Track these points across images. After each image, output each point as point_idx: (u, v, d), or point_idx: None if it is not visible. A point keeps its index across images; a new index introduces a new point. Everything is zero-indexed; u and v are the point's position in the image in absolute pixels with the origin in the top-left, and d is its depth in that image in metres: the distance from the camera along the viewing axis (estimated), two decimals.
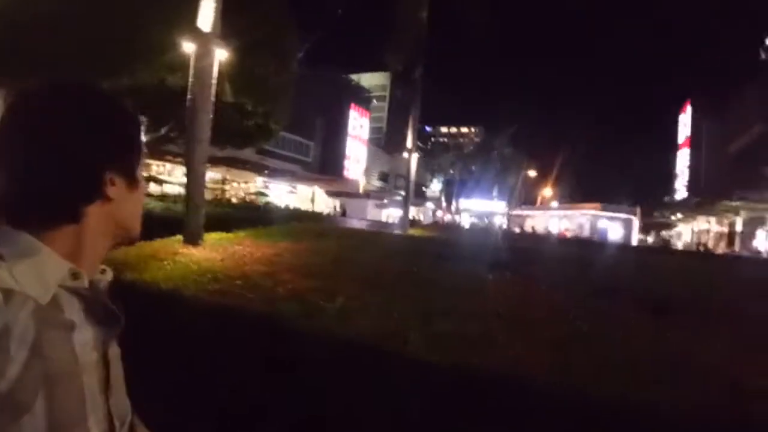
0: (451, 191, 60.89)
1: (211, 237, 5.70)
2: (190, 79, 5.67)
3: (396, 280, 3.94)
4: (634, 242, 39.08)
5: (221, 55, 5.98)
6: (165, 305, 3.07)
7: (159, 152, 21.45)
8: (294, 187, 42.41)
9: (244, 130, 18.13)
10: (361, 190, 48.46)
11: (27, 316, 0.61)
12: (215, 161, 29.74)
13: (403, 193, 68.42)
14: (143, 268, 3.63)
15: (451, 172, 62.79)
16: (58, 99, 0.72)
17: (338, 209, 38.96)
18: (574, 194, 52.43)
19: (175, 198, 20.10)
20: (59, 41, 11.78)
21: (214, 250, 4.64)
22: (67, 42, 11.90)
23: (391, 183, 69.16)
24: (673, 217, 46.21)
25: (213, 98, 5.80)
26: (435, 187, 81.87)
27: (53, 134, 0.69)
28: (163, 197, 13.59)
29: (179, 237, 5.40)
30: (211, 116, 5.85)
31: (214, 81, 5.77)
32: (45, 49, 11.70)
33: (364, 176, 56.23)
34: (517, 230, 45.79)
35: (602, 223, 41.37)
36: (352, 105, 54.88)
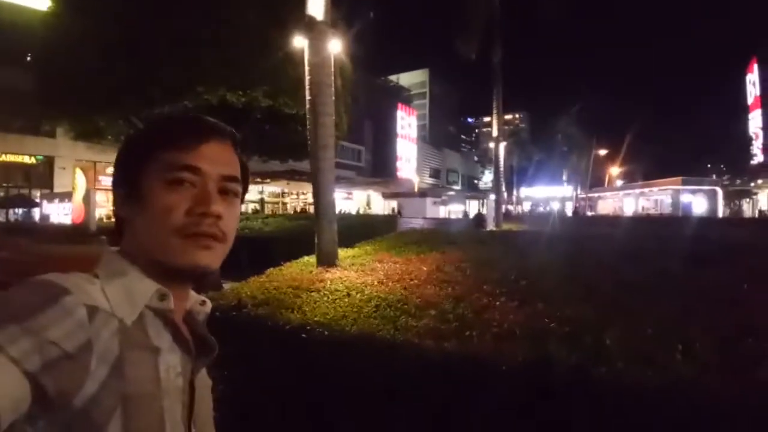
0: (508, 181, 59.08)
1: (343, 255, 5.02)
2: (307, 77, 4.99)
3: (615, 292, 3.08)
4: (720, 214, 36.10)
5: (336, 47, 5.29)
6: (344, 354, 2.38)
7: None
8: (350, 193, 42.53)
9: (304, 140, 17.87)
10: (416, 189, 47.87)
11: (110, 334, 0.61)
12: (277, 175, 30.09)
13: (456, 187, 67.34)
14: (296, 303, 2.95)
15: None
16: None
17: (395, 210, 38.56)
18: (646, 171, 49.16)
19: (246, 216, 20.18)
20: (114, 70, 11.86)
21: (356, 271, 3.93)
22: (122, 71, 11.96)
23: (442, 178, 68.25)
24: (752, 184, 42.69)
25: (333, 97, 5.11)
26: (487, 178, 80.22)
27: None
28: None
29: (307, 259, 4.78)
30: (334, 118, 5.16)
31: (332, 77, 5.07)
32: (100, 83, 11.68)
33: (416, 174, 55.62)
34: (589, 214, 43.49)
35: (685, 198, 38.35)
36: (399, 105, 54.52)
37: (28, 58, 19.25)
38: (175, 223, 0.69)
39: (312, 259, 4.85)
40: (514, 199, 57.24)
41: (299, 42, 5.20)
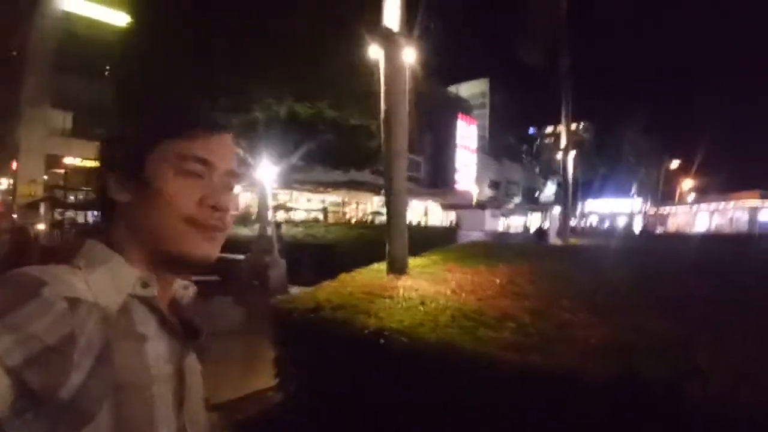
0: (572, 194, 56.91)
1: (411, 263, 5.06)
2: (383, 88, 5.12)
3: (696, 308, 2.93)
4: None
5: (411, 56, 5.41)
6: (423, 361, 2.40)
7: (287, 181, 22.21)
8: (407, 204, 42.41)
9: (366, 150, 18.24)
10: (474, 201, 47.25)
11: (95, 324, 0.61)
12: (338, 185, 30.69)
13: (516, 199, 65.81)
14: (371, 309, 3.01)
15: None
16: None
17: (453, 223, 38.21)
18: (722, 183, 46.05)
19: (298, 223, 20.69)
20: (185, 83, 12.53)
21: (427, 280, 3.95)
22: (193, 84, 12.63)
23: (501, 190, 67.00)
24: None
25: (407, 107, 5.22)
26: (549, 190, 77.93)
27: None
28: (278, 224, 13.83)
29: (377, 266, 4.86)
30: (407, 127, 5.26)
31: (406, 87, 5.19)
32: (171, 95, 12.49)
33: (475, 185, 54.90)
34: (659, 230, 41.22)
35: (763, 216, 35.57)
36: (459, 115, 54.18)
37: (107, 70, 20.74)
38: (185, 212, 0.70)
39: (382, 266, 4.91)
40: (578, 212, 55.32)
41: (374, 53, 5.33)
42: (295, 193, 28.92)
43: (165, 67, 12.93)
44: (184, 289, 0.80)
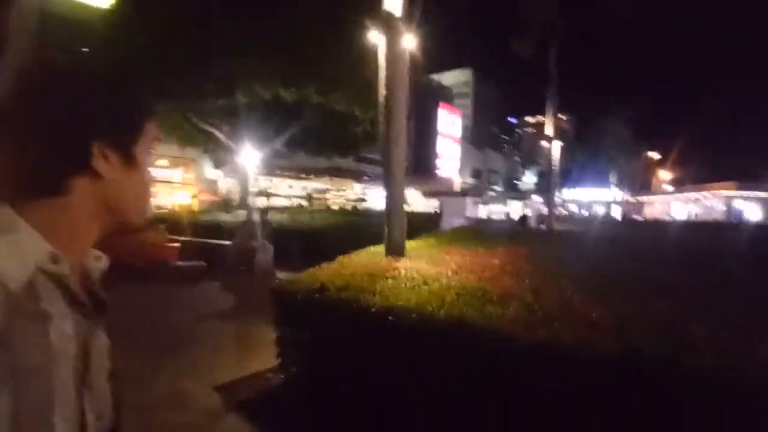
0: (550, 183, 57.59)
1: (408, 246, 5.11)
2: (382, 73, 5.08)
3: (687, 289, 3.05)
4: None
5: (410, 42, 5.36)
6: (433, 337, 2.45)
7: (269, 167, 22.01)
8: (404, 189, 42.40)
9: (352, 137, 18.15)
10: (456, 188, 47.49)
11: None
12: (320, 172, 30.53)
13: (497, 188, 66.21)
14: (375, 289, 3.04)
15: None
16: (46, 69, 0.68)
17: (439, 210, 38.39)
18: (696, 175, 47.20)
19: (283, 208, 20.54)
20: (168, 62, 12.33)
21: (427, 261, 3.99)
22: (176, 63, 12.44)
23: (483, 179, 67.47)
24: None
25: (406, 93, 5.19)
26: (528, 179, 78.71)
27: (38, 99, 0.66)
28: (265, 210, 13.74)
29: (373, 249, 4.89)
30: (406, 112, 5.23)
31: (406, 73, 5.14)
32: (154, 74, 12.19)
33: (458, 174, 55.18)
34: (636, 218, 42.10)
35: (738, 204, 36.70)
36: (441, 104, 54.15)
37: (86, 50, 20.16)
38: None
39: (379, 249, 4.95)
40: (559, 200, 56.17)
41: (374, 38, 5.28)
42: (276, 180, 28.64)
43: (146, 47, 12.63)
44: (96, 260, 0.76)
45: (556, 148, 15.70)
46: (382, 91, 5.10)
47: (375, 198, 38.30)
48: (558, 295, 2.81)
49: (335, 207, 29.27)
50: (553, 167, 15.99)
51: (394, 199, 5.28)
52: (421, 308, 2.65)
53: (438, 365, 2.46)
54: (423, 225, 17.02)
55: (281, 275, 9.89)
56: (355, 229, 14.07)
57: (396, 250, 4.64)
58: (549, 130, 15.85)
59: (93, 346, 0.70)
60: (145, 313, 6.59)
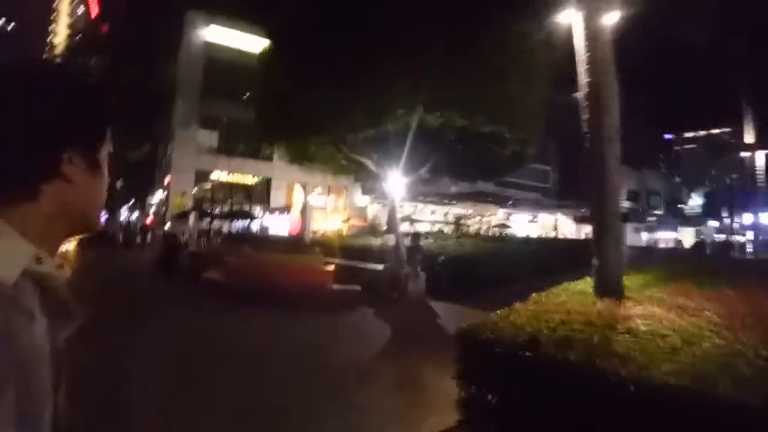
0: (720, 206, 49.73)
1: (628, 282, 4.06)
2: (582, 57, 4.23)
3: None
4: None
5: (613, 18, 4.44)
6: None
7: (413, 193, 21.93)
8: (534, 217, 40.26)
9: (499, 160, 17.29)
10: None
11: None
12: (463, 197, 29.85)
13: (658, 212, 59.83)
14: (609, 348, 2.17)
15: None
16: (18, 76, 0.71)
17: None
18: None
19: (427, 234, 20.14)
20: (321, 100, 12.80)
21: (661, 306, 2.99)
22: (328, 100, 12.84)
23: (642, 202, 60.92)
24: None
25: (615, 78, 4.25)
26: (694, 202, 69.56)
27: (10, 105, 0.68)
28: (417, 236, 13.22)
29: (573, 285, 3.98)
30: (617, 102, 4.25)
31: (611, 53, 4.23)
32: (308, 112, 12.92)
33: None
34: None
35: None
36: None
37: (246, 95, 22.23)
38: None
39: (579, 285, 4.01)
40: (737, 227, 48.26)
41: (567, 17, 4.43)
42: (420, 205, 28.65)
43: (299, 86, 13.39)
44: (58, 267, 0.73)
45: (760, 158, 12.99)
46: (581, 80, 4.17)
47: (519, 224, 36.43)
48: None
49: (478, 233, 28.23)
50: (758, 182, 13.26)
51: (607, 217, 4.19)
52: (701, 384, 1.73)
53: None
54: (577, 256, 15.39)
55: (435, 305, 9.31)
56: (506, 257, 13.03)
57: (611, 289, 3.61)
58: (749, 137, 13.25)
59: (60, 350, 0.72)
60: (304, 345, 6.36)
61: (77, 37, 33.23)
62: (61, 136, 0.71)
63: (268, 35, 16.36)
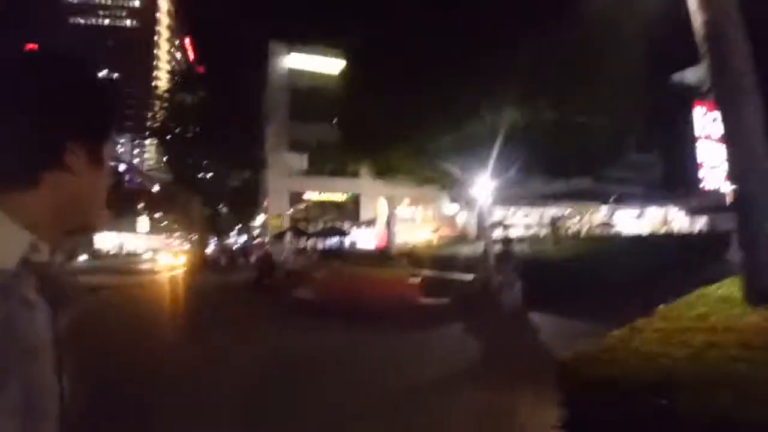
0: None
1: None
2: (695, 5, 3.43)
3: None
4: None
5: None
6: None
7: (502, 196, 20.98)
8: (641, 212, 37.05)
9: (596, 152, 16.02)
10: (728, 201, 38.67)
11: None
12: (557, 197, 28.12)
13: None
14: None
15: None
16: (28, 65, 0.72)
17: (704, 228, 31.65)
18: None
19: (521, 238, 19.03)
20: (401, 109, 12.62)
21: None
22: (408, 108, 12.58)
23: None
24: None
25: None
26: None
27: (18, 92, 0.69)
28: (509, 241, 12.31)
29: (707, 290, 3.18)
30: (747, 50, 3.36)
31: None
32: (388, 123, 13.05)
33: (728, 183, 45.27)
34: None
35: None
36: (695, 102, 45.70)
37: (333, 117, 22.75)
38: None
39: (724, 290, 3.18)
40: None
41: None
42: (512, 209, 27.50)
43: (378, 99, 13.46)
44: (51, 255, 0.74)
45: None
46: (700, 19, 3.31)
47: (624, 221, 33.64)
48: None
49: (578, 233, 26.33)
50: None
51: (751, 188, 3.24)
52: None
53: None
54: (700, 252, 13.72)
55: (533, 317, 8.49)
56: (613, 258, 11.75)
57: (763, 293, 2.75)
58: None
59: (61, 337, 0.73)
60: (379, 363, 6.00)
61: (177, 80, 36.47)
62: (66, 126, 0.71)
63: (346, 53, 16.62)
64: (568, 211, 31.22)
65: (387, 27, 13.35)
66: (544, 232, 26.20)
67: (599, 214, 33.53)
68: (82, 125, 0.73)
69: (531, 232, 26.77)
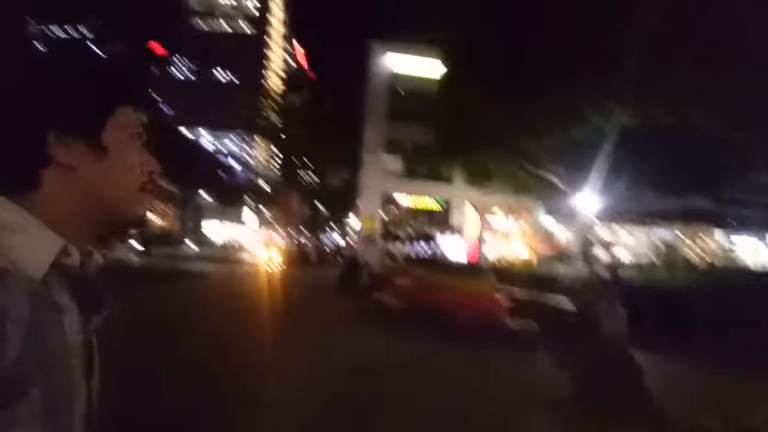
0: None
1: None
2: None
3: None
4: None
5: None
6: None
7: (609, 212, 19.45)
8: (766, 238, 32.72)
9: (717, 168, 14.38)
10: None
11: (21, 295, 0.59)
12: (669, 215, 25.62)
13: None
14: None
15: None
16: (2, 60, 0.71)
17: None
18: None
19: (628, 262, 17.42)
20: (499, 109, 12.05)
21: None
22: (506, 108, 12.10)
23: None
24: None
25: None
26: None
27: None
28: (615, 263, 11.18)
29: None
30: None
31: None
32: (485, 123, 12.88)
33: None
34: None
35: None
36: None
37: (430, 119, 22.70)
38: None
39: None
40: None
41: None
42: (616, 227, 25.54)
43: (478, 100, 13.07)
44: (87, 255, 0.73)
45: None
46: None
47: (745, 249, 29.86)
48: None
49: (690, 260, 23.74)
50: None
51: None
52: None
53: None
54: None
55: (638, 356, 7.53)
56: (738, 291, 10.26)
57: None
58: None
59: (93, 340, 0.73)
60: (439, 384, 5.74)
61: (292, 87, 39.72)
62: (44, 118, 0.67)
63: (447, 53, 16.33)
64: (678, 232, 28.32)
65: (492, 23, 12.93)
66: (652, 254, 23.93)
67: (715, 238, 30.14)
68: (64, 115, 0.68)
69: (636, 253, 24.67)
